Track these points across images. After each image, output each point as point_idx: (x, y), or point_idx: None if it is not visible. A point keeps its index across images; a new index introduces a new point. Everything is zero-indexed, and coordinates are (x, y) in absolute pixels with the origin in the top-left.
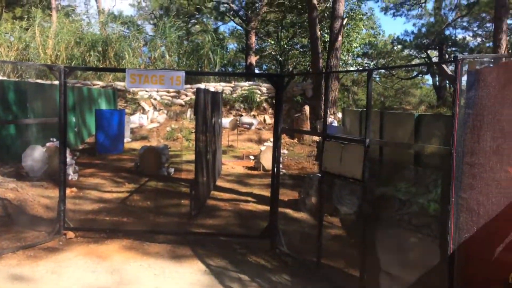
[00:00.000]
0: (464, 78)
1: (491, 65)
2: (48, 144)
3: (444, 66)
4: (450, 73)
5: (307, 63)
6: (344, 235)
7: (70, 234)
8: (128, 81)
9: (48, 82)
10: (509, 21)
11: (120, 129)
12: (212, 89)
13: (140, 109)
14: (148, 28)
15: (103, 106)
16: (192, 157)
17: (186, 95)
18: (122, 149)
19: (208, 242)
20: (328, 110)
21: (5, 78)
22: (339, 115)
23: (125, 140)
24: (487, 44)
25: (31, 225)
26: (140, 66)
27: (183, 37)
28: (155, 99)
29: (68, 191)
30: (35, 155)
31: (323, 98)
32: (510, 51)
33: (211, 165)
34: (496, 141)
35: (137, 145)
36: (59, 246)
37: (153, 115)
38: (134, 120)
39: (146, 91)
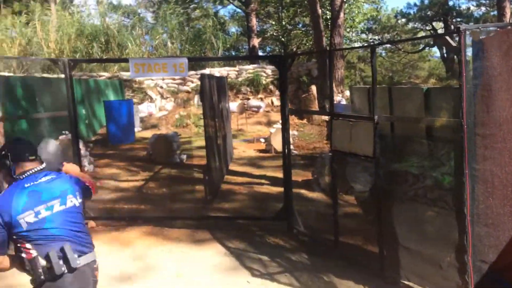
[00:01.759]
0: (469, 49)
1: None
2: (60, 137)
3: (448, 37)
4: (454, 44)
5: (311, 42)
6: (360, 212)
7: (92, 223)
8: (132, 71)
9: (55, 76)
10: None
11: (129, 119)
12: (217, 74)
13: (148, 98)
14: (148, 16)
15: (111, 97)
16: (202, 143)
17: (192, 82)
18: (133, 138)
19: (226, 226)
20: (335, 89)
21: (11, 74)
22: (347, 93)
23: (136, 129)
24: (492, 13)
25: None
26: (143, 55)
27: (184, 23)
28: (161, 87)
29: None
30: (50, 148)
31: (328, 77)
32: None
33: (222, 149)
34: (506, 111)
35: (148, 134)
36: None
37: (161, 103)
38: (143, 109)
39: (152, 79)
